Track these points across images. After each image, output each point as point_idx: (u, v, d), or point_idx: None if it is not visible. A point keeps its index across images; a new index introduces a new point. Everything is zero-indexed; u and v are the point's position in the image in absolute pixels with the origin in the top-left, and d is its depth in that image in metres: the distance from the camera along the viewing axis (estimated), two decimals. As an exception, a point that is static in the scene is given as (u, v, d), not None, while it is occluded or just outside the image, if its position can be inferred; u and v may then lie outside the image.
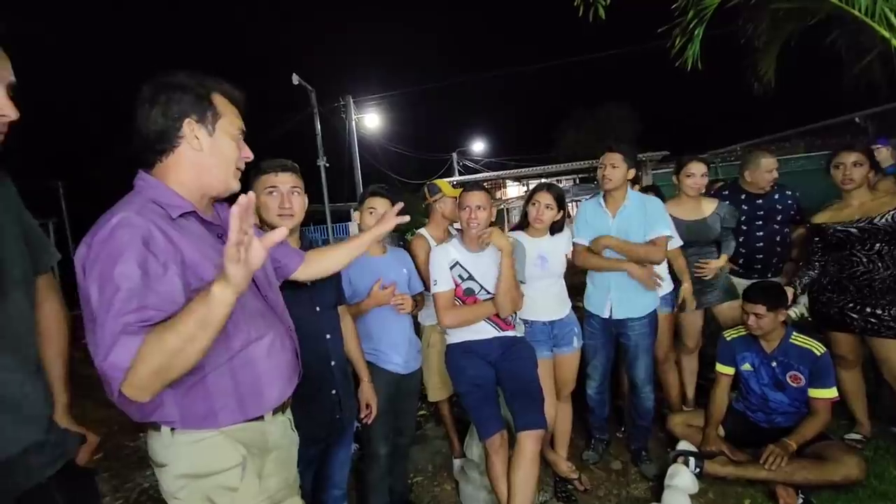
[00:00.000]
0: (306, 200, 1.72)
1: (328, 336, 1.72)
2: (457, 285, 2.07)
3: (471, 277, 2.07)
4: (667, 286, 2.61)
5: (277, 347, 1.17)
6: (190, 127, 1.05)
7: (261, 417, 1.13)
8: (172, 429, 1.03)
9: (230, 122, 1.12)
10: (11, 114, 0.90)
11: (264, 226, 1.66)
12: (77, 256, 0.94)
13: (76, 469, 1.07)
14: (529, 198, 2.32)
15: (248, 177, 1.66)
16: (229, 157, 1.11)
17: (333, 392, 1.70)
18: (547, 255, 2.28)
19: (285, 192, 1.62)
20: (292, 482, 1.24)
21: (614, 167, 2.34)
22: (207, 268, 1.01)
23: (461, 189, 2.47)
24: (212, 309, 0.85)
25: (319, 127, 13.71)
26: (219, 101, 1.10)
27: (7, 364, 0.90)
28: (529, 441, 1.88)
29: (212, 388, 1.03)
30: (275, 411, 1.17)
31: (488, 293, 2.04)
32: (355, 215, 2.16)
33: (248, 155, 1.17)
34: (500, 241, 1.98)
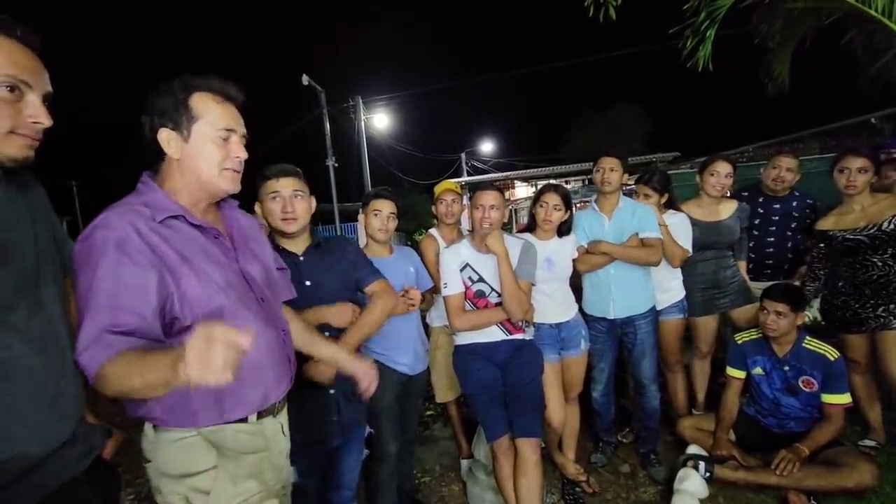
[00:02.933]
0: (313, 203, 1.73)
1: (326, 333, 1.71)
2: (467, 288, 2.07)
3: (481, 279, 2.07)
4: (678, 293, 2.60)
5: (263, 349, 1.15)
6: (165, 136, 1.08)
7: (244, 420, 1.13)
8: (155, 426, 1.08)
9: (209, 122, 1.09)
10: (46, 121, 0.94)
11: (271, 231, 1.68)
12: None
13: (102, 463, 1.10)
14: (536, 200, 2.33)
15: (255, 182, 1.68)
16: (211, 159, 1.10)
17: (332, 391, 1.69)
18: (554, 257, 2.28)
19: (287, 196, 1.64)
20: (273, 486, 1.20)
21: (613, 171, 2.38)
22: (185, 268, 1.04)
23: (445, 185, 2.47)
24: (177, 378, 0.86)
25: (329, 127, 13.81)
26: (199, 101, 1.08)
27: (46, 362, 0.92)
28: (527, 448, 1.89)
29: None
30: (260, 415, 1.16)
31: (499, 295, 2.03)
32: (361, 217, 2.17)
33: (240, 154, 1.13)
34: (494, 246, 1.98)
